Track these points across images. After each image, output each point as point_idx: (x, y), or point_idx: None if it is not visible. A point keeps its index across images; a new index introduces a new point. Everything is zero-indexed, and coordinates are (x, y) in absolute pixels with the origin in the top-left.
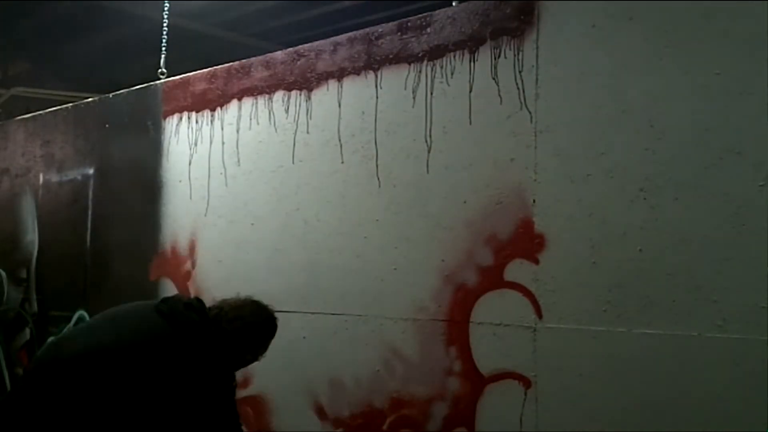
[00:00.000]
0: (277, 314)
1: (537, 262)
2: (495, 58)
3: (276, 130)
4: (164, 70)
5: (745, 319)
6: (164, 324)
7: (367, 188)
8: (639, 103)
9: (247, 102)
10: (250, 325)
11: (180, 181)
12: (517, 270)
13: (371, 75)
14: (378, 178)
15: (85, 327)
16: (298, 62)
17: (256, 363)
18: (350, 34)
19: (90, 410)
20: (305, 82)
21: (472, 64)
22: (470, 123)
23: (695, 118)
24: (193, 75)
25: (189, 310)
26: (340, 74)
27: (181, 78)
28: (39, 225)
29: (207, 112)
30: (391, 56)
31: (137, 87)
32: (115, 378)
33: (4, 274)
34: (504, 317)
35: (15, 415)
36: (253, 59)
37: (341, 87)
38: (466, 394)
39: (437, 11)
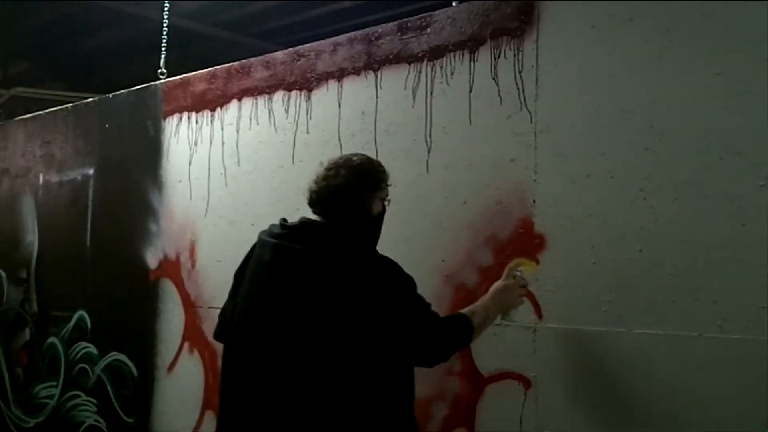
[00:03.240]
0: None
1: (537, 262)
2: (495, 59)
3: (276, 130)
4: (164, 70)
5: (745, 319)
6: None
7: None
8: (639, 103)
9: (247, 102)
10: (351, 171)
11: (180, 181)
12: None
13: (371, 75)
14: None
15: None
16: (298, 62)
17: None
18: (350, 34)
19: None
20: (305, 82)
21: (472, 64)
22: (470, 123)
23: (695, 118)
24: (193, 75)
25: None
26: (340, 74)
27: (181, 78)
28: (39, 225)
29: (207, 113)
30: (391, 56)
31: (137, 87)
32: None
33: (4, 274)
34: (504, 317)
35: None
36: (253, 59)
37: (341, 87)
38: (466, 394)
39: (437, 11)
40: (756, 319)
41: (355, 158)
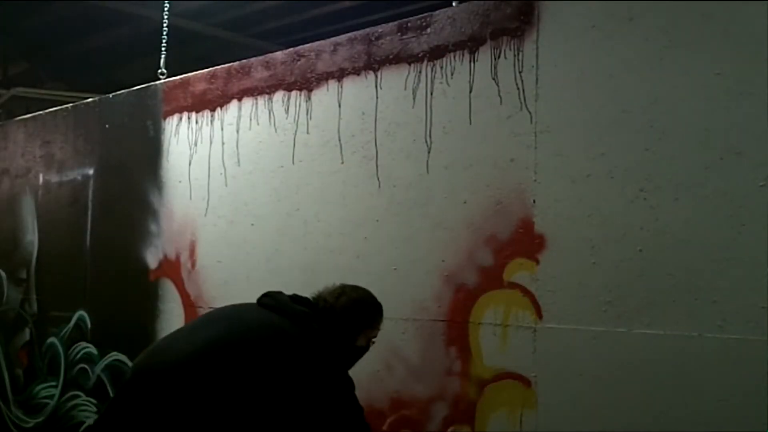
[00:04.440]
0: None
1: (537, 262)
2: (495, 59)
3: (276, 130)
4: (164, 70)
5: (745, 319)
6: (277, 317)
7: (367, 188)
8: (639, 103)
9: (247, 102)
10: (355, 301)
11: (180, 181)
12: (517, 270)
13: (371, 75)
14: (378, 179)
15: (184, 330)
16: (298, 62)
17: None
18: (350, 34)
19: (205, 410)
20: (305, 83)
21: (472, 64)
22: (470, 123)
23: (695, 118)
24: (193, 75)
25: (297, 303)
26: (340, 74)
27: (181, 78)
28: (39, 225)
29: (207, 113)
30: (391, 56)
31: (137, 87)
32: (232, 373)
33: (4, 274)
34: (504, 317)
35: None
36: (253, 59)
37: (341, 87)
38: (466, 394)
39: (437, 12)
40: (756, 319)
41: (360, 292)
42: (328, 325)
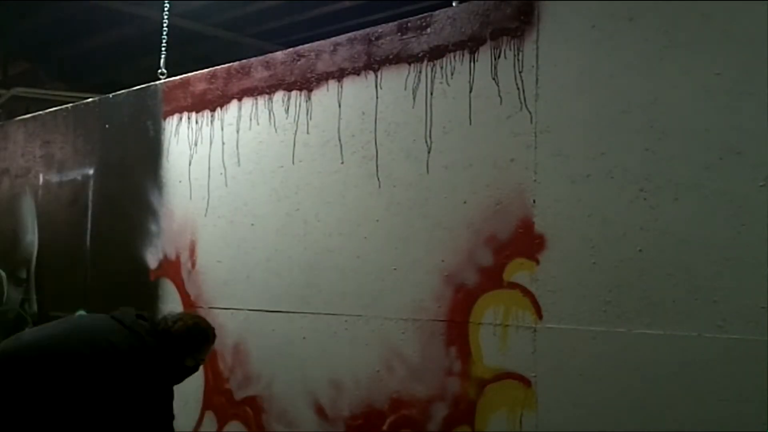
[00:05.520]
0: (275, 314)
1: (537, 262)
2: (495, 59)
3: (276, 130)
4: (164, 71)
5: (745, 319)
6: (121, 328)
7: (367, 188)
8: (639, 103)
9: (247, 102)
10: (188, 328)
11: (180, 181)
12: (517, 270)
13: (371, 75)
14: (378, 179)
15: (45, 326)
16: (298, 62)
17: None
18: (350, 34)
19: (44, 401)
20: (305, 83)
21: (472, 64)
22: (470, 123)
23: (695, 118)
24: (193, 75)
25: (140, 319)
26: (340, 74)
27: (181, 78)
28: (39, 225)
29: (207, 113)
30: (391, 56)
31: (137, 87)
32: (71, 369)
33: (4, 274)
34: (504, 317)
35: None
36: (253, 59)
37: (341, 87)
38: (466, 394)
39: (437, 12)
40: (756, 319)
41: (195, 321)
42: (161, 344)
